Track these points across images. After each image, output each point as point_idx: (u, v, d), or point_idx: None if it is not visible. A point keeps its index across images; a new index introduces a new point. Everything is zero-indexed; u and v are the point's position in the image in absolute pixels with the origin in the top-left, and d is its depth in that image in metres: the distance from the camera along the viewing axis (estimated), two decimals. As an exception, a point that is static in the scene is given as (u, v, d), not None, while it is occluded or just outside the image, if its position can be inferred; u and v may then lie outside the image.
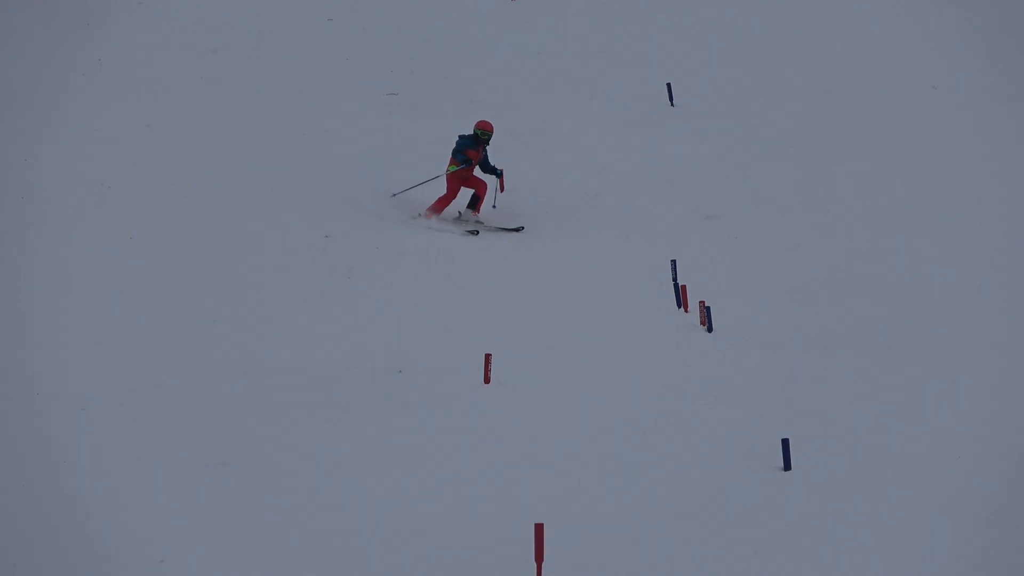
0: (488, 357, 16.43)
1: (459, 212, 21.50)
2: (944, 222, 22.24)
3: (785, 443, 14.64)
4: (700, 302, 18.37)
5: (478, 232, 21.17)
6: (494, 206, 21.75)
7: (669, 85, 25.68)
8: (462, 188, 21.52)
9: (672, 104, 25.69)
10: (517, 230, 21.06)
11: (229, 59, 28.58)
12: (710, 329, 17.87)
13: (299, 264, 20.16)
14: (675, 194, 22.58)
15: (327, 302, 18.94)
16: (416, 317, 18.45)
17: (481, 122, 21.53)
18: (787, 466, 14.53)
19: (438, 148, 23.79)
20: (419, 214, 21.25)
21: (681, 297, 18.82)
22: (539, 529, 12.49)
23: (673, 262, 19.42)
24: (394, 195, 21.56)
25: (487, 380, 16.10)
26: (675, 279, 19.20)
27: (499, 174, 21.60)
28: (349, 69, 28.33)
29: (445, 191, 21.42)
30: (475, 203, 21.53)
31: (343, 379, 16.41)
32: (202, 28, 29.59)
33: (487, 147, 21.56)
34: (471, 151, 21.19)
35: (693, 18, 29.30)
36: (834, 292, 19.52)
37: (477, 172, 21.55)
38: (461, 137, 21.41)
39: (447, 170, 21.48)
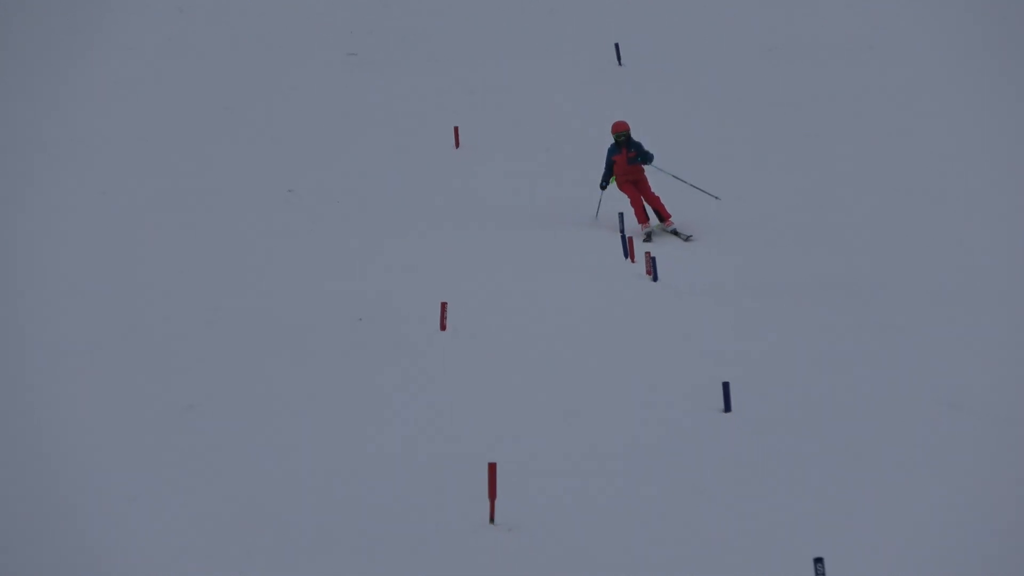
0: (444, 305, 16.77)
1: (647, 233, 20.70)
2: (887, 172, 22.63)
3: (726, 386, 15.23)
4: (646, 253, 18.87)
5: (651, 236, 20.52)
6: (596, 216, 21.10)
7: (617, 45, 26.15)
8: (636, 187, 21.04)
9: (620, 63, 26.19)
10: (687, 239, 20.46)
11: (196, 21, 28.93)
12: (655, 278, 18.37)
13: (264, 218, 20.67)
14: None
15: (291, 255, 19.39)
16: (377, 269, 18.88)
17: (613, 125, 21.09)
18: (727, 408, 15.15)
19: (383, 99, 24.64)
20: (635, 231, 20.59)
21: (629, 249, 19.40)
22: (492, 468, 12.86)
23: (620, 215, 20.15)
24: (596, 217, 20.93)
25: (443, 327, 16.51)
26: (622, 231, 19.91)
27: (650, 159, 20.87)
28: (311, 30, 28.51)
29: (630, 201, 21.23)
30: (657, 215, 20.98)
31: (307, 327, 16.78)
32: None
33: (629, 145, 20.86)
34: (615, 156, 20.76)
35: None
36: (775, 244, 20.04)
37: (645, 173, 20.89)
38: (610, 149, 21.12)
39: (608, 185, 21.04)
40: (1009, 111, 25.24)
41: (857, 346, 16.97)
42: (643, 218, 20.66)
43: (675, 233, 20.53)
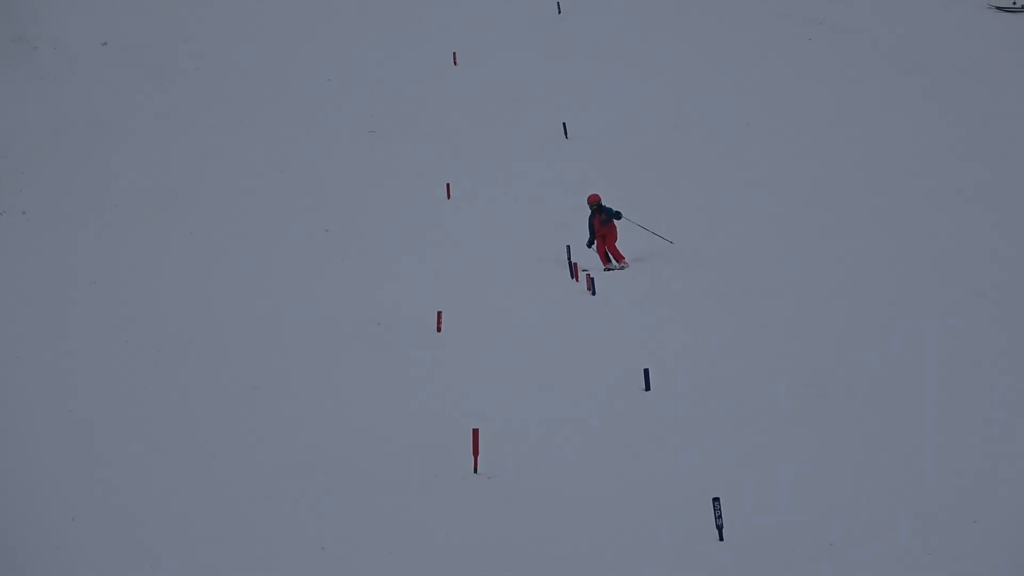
0: (440, 314, 18.30)
1: (607, 269, 22.41)
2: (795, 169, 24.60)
3: (646, 372, 16.80)
4: (586, 273, 20.69)
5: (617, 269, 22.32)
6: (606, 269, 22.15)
7: (564, 124, 27.93)
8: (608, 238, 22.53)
9: (566, 137, 27.74)
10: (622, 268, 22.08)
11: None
12: (594, 293, 20.17)
13: (305, 250, 22.08)
14: (570, 199, 24.29)
15: (326, 275, 20.72)
16: (390, 287, 20.17)
17: (588, 198, 22.70)
18: (647, 387, 16.65)
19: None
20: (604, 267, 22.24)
21: (573, 272, 21.24)
22: (475, 433, 14.18)
23: (568, 247, 21.97)
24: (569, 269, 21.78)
25: (439, 329, 18.19)
26: (569, 258, 21.77)
27: (617, 216, 22.39)
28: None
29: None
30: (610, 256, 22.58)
31: (339, 328, 18.11)
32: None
33: (600, 211, 22.43)
34: (593, 220, 22.39)
35: (582, 76, 30.66)
36: (692, 263, 21.18)
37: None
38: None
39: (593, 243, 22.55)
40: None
41: (742, 337, 18.01)
42: (605, 260, 22.45)
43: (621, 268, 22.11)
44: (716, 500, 13.70)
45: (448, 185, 25.15)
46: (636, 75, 30.51)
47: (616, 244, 22.92)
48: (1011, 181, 23.78)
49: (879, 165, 25.12)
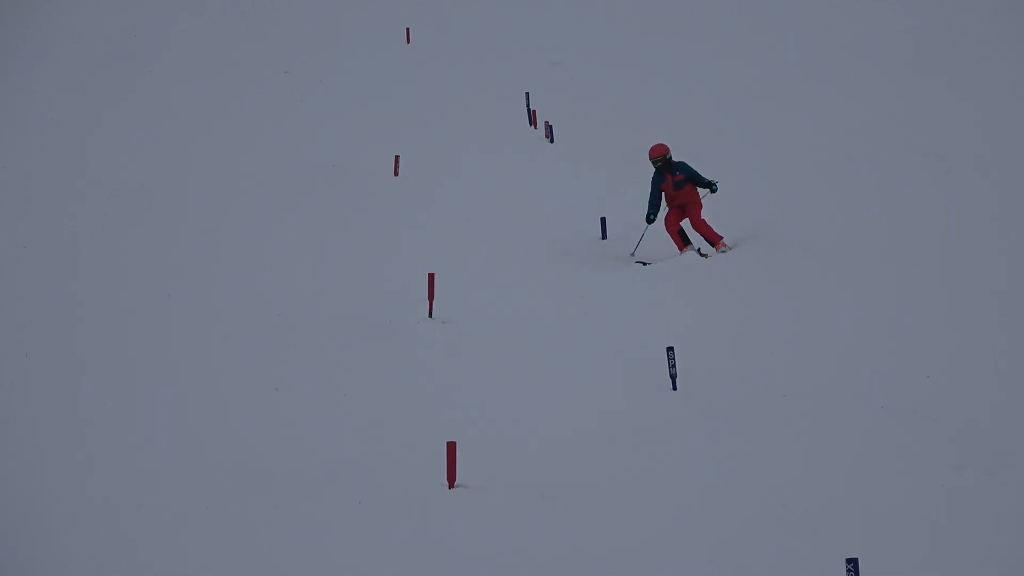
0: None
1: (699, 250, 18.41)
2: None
3: (603, 220, 18.09)
4: (545, 121, 20.83)
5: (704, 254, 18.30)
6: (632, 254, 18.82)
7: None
8: (686, 211, 18.27)
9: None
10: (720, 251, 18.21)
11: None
12: (552, 140, 21.04)
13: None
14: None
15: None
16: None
17: (651, 150, 18.19)
18: (603, 235, 18.00)
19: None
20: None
21: (532, 119, 21.15)
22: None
23: (527, 93, 22.72)
24: (632, 255, 18.86)
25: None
26: (527, 104, 22.21)
27: (707, 184, 18.13)
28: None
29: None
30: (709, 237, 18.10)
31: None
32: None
33: (671, 169, 18.01)
34: (661, 185, 18.18)
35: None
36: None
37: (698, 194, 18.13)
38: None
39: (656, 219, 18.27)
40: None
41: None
42: (681, 243, 18.35)
43: (721, 251, 18.07)
44: (670, 349, 14.06)
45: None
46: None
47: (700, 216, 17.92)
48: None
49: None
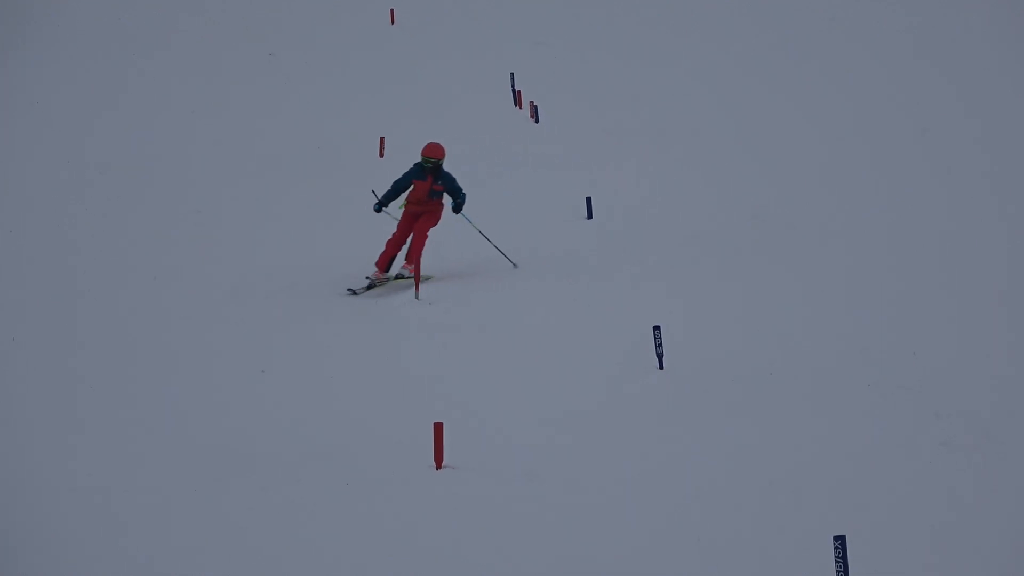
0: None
1: (370, 282, 17.52)
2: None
3: (588, 199, 18.35)
4: (531, 102, 21.68)
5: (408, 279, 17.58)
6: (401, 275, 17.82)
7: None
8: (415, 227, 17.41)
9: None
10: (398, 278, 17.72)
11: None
12: (537, 121, 21.32)
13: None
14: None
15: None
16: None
17: (426, 147, 17.16)
18: (589, 215, 18.36)
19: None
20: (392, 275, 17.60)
21: (517, 99, 22.19)
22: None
23: (512, 74, 22.76)
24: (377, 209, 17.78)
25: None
26: (512, 84, 22.31)
27: (461, 202, 17.21)
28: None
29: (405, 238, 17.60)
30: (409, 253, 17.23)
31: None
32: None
33: (436, 176, 17.02)
34: (416, 181, 17.19)
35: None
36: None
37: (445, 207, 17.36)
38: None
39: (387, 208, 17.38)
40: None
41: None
42: (384, 263, 17.42)
43: (398, 277, 17.54)
44: (656, 328, 14.02)
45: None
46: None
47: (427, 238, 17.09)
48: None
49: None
